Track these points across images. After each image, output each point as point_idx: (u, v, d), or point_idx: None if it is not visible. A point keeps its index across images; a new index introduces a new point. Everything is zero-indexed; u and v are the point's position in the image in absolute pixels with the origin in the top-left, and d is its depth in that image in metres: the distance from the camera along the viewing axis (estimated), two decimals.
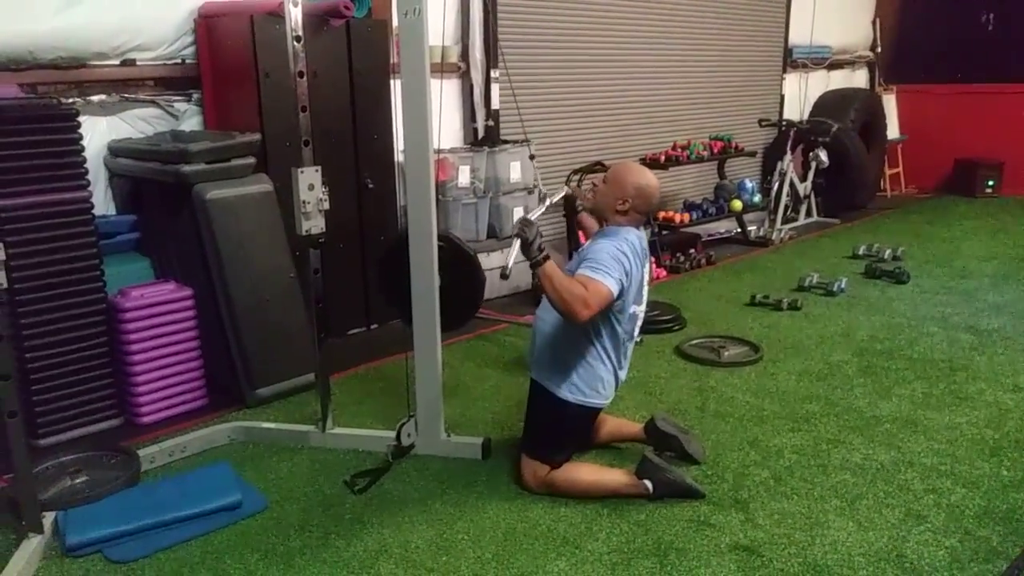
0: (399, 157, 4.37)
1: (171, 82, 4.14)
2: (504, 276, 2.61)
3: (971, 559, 2.42)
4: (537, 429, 2.86)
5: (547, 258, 2.53)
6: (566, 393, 2.75)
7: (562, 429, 2.83)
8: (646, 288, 2.82)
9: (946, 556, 2.44)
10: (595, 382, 2.76)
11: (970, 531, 2.57)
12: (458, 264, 3.10)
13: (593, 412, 2.87)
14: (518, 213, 5.15)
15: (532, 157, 3.00)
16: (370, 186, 4.42)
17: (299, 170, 2.85)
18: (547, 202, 3.00)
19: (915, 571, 2.37)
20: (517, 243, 2.54)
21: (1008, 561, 2.41)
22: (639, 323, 2.84)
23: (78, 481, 2.87)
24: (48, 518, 2.61)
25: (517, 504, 2.77)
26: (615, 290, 2.59)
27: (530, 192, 5.24)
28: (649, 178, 2.77)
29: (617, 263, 2.62)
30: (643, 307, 2.83)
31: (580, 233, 3.11)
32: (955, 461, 3.01)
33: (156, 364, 3.42)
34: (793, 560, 2.43)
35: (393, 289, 3.16)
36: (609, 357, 2.77)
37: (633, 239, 2.73)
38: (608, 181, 2.78)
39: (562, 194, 3.17)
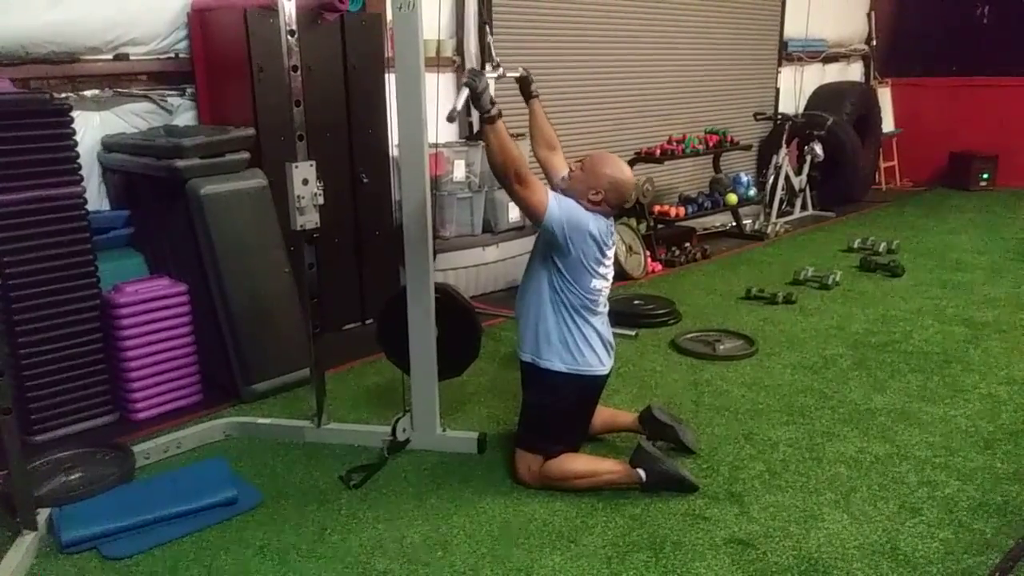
0: (394, 151, 4.36)
1: (164, 77, 4.12)
2: (450, 119, 2.60)
3: (965, 552, 2.43)
4: (532, 416, 2.85)
5: (500, 115, 2.54)
6: (558, 364, 2.73)
7: (557, 409, 2.79)
8: (609, 265, 2.78)
9: (940, 548, 2.45)
10: (585, 349, 2.74)
11: (964, 524, 2.57)
12: (455, 316, 3.13)
13: (589, 386, 2.81)
14: (514, 208, 5.14)
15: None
16: (365, 180, 4.41)
17: (293, 165, 2.85)
18: (500, 71, 2.96)
19: (909, 564, 2.38)
20: (465, 92, 2.52)
21: (1002, 554, 2.42)
22: (604, 295, 2.81)
23: (73, 477, 2.86)
24: (43, 515, 2.60)
25: (512, 499, 2.77)
26: (547, 207, 2.58)
27: None
28: (625, 172, 2.76)
29: (569, 214, 2.61)
30: (608, 283, 2.80)
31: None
32: (949, 454, 3.02)
33: (151, 360, 3.41)
34: (788, 553, 2.44)
35: (393, 342, 3.20)
36: (590, 325, 2.74)
37: (601, 221, 2.71)
38: (584, 169, 2.75)
39: (517, 73, 3.09)
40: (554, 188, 2.82)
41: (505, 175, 2.57)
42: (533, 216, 2.64)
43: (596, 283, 2.73)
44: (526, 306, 2.80)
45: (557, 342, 2.73)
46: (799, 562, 2.40)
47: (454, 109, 2.52)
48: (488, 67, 2.79)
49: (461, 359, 3.24)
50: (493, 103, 2.53)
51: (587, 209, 2.70)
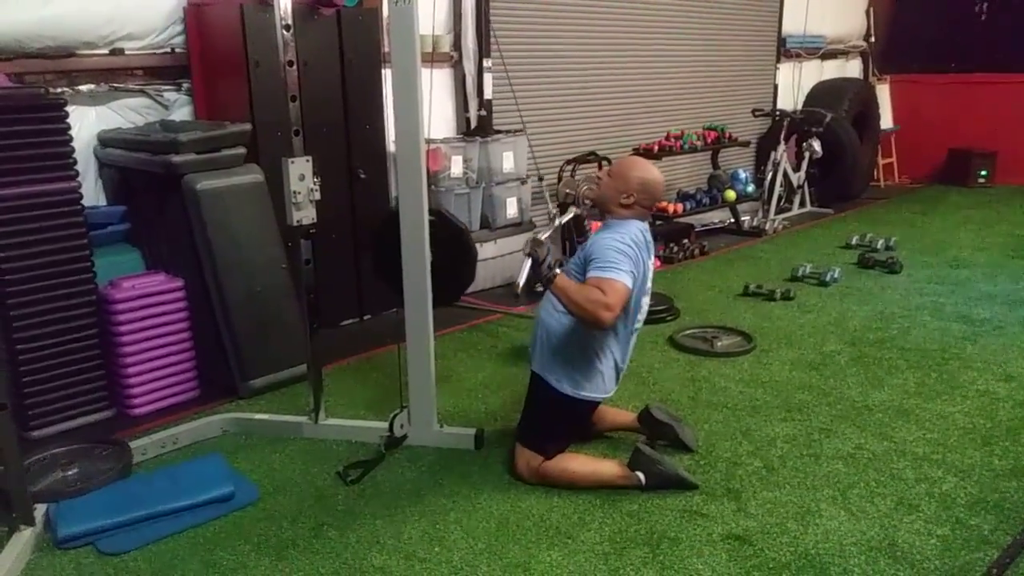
0: (391, 147, 4.36)
1: (161, 71, 4.11)
2: (516, 295, 2.64)
3: (962, 548, 2.43)
4: (534, 420, 2.87)
5: (557, 275, 2.55)
6: (567, 387, 2.75)
7: (560, 421, 2.83)
8: (651, 279, 2.81)
9: (937, 545, 2.45)
10: (596, 376, 2.76)
11: (961, 520, 2.57)
12: (449, 239, 3.10)
13: (593, 405, 2.87)
14: (511, 204, 5.15)
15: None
16: (362, 176, 4.40)
17: (289, 160, 2.84)
18: (556, 223, 3.09)
19: (906, 560, 2.38)
20: (528, 262, 2.56)
21: (999, 550, 2.42)
22: (643, 313, 2.84)
23: (69, 473, 2.86)
24: (39, 510, 2.59)
25: (510, 495, 2.77)
26: (630, 283, 2.58)
27: (523, 183, 5.23)
28: (653, 173, 2.78)
29: (623, 256, 2.61)
30: (648, 298, 2.83)
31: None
32: (947, 450, 3.02)
33: (147, 355, 3.41)
34: (785, 549, 2.44)
35: (384, 262, 3.16)
36: (612, 352, 2.76)
37: (635, 231, 2.72)
38: (612, 175, 2.78)
39: (571, 215, 3.18)
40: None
41: (595, 319, 2.54)
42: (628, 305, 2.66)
43: (644, 299, 2.76)
44: (551, 323, 2.77)
45: (572, 366, 2.74)
46: (796, 558, 2.40)
47: (517, 285, 2.56)
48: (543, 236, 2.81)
49: (456, 285, 3.20)
50: (551, 267, 2.54)
51: (619, 217, 2.72)
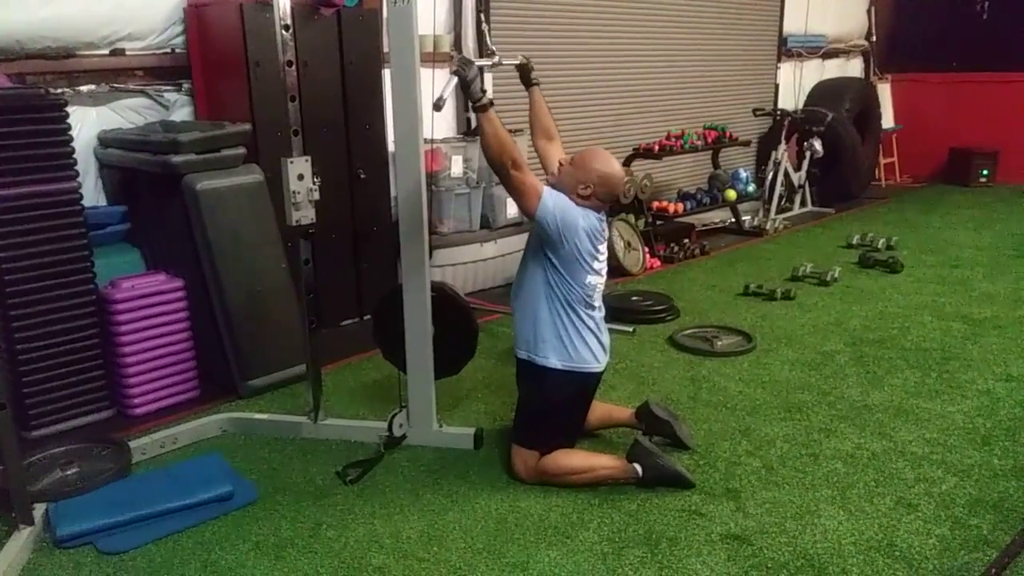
0: (392, 147, 4.35)
1: (161, 72, 4.11)
2: (436, 107, 2.63)
3: (961, 548, 2.43)
4: (527, 412, 2.86)
5: (492, 103, 2.55)
6: (553, 360, 2.73)
7: (552, 405, 2.79)
8: (602, 260, 2.77)
9: (936, 545, 2.45)
10: (580, 345, 2.74)
11: (960, 520, 2.57)
12: (452, 315, 3.13)
13: (583, 382, 2.81)
14: (512, 204, 5.14)
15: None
16: (362, 176, 4.41)
17: (288, 160, 2.84)
18: (496, 59, 2.99)
19: (905, 560, 2.38)
20: (454, 80, 2.55)
21: (998, 550, 2.41)
22: (599, 291, 2.81)
23: (69, 473, 2.86)
24: (39, 510, 2.60)
25: (508, 494, 2.77)
26: (541, 198, 2.60)
27: None
28: (614, 166, 2.76)
29: (562, 208, 2.63)
30: (602, 279, 2.79)
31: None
32: (946, 450, 3.02)
33: (147, 355, 3.41)
34: (784, 549, 2.44)
35: (388, 339, 3.21)
36: (584, 321, 2.74)
37: (592, 217, 2.72)
38: (573, 164, 2.76)
39: (516, 60, 3.09)
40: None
41: (501, 163, 2.59)
42: (527, 207, 2.65)
43: (590, 279, 2.73)
44: (521, 302, 2.81)
45: (552, 337, 2.73)
46: (795, 558, 2.40)
47: (440, 98, 2.54)
48: (483, 57, 2.80)
49: (458, 358, 3.24)
50: (484, 91, 2.54)
51: (577, 204, 2.70)
